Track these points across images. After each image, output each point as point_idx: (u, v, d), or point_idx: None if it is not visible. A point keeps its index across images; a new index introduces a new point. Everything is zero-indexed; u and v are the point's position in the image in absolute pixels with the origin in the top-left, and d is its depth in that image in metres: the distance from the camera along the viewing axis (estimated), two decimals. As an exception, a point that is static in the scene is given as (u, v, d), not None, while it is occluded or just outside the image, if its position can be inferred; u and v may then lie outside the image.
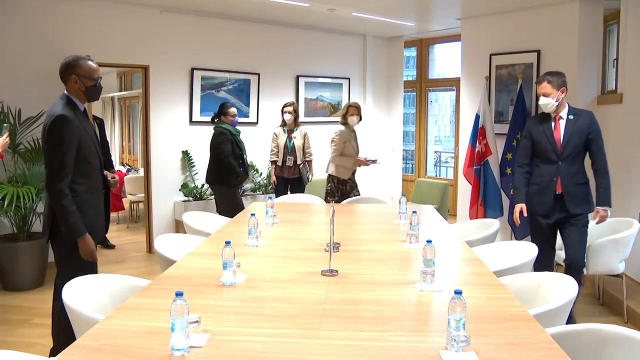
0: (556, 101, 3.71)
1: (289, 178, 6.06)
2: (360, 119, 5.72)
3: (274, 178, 6.06)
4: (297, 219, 4.24)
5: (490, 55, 6.24)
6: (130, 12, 5.88)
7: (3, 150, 3.84)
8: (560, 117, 3.79)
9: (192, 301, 2.15)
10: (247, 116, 6.78)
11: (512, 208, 5.81)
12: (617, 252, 3.98)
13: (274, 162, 6.07)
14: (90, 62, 2.97)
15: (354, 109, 5.64)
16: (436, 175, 9.27)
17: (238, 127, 5.75)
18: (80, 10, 5.57)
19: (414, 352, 1.75)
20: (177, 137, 6.37)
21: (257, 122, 6.94)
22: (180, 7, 6.13)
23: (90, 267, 2.99)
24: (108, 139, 8.20)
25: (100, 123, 6.40)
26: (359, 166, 5.77)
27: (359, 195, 5.74)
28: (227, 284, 2.45)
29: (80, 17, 5.57)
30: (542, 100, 3.74)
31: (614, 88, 5.45)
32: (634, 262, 4.47)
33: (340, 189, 5.70)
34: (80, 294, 2.38)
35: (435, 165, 9.38)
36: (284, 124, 6.05)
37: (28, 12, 5.29)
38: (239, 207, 5.40)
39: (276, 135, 6.05)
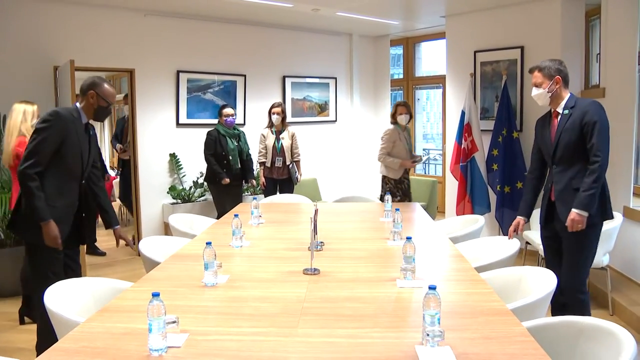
0: (548, 92, 3.19)
1: (278, 179, 6.07)
2: (411, 117, 5.53)
3: (262, 179, 6.06)
4: (282, 219, 4.26)
5: (475, 52, 6.27)
6: (114, 16, 5.87)
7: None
8: (558, 113, 3.24)
9: (173, 302, 2.18)
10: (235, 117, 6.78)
11: (498, 204, 5.89)
12: (601, 245, 3.99)
13: (262, 164, 6.06)
14: (110, 88, 3.15)
15: (403, 108, 5.43)
16: (425, 173, 9.30)
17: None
18: (66, 15, 5.56)
19: (389, 348, 1.77)
20: (164, 139, 6.37)
21: (244, 124, 6.95)
22: (165, 10, 6.12)
23: (53, 254, 3.02)
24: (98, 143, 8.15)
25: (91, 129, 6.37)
26: (406, 168, 5.53)
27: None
28: (208, 285, 2.46)
29: (65, 22, 5.56)
30: (533, 92, 3.27)
31: (597, 82, 5.49)
32: (617, 255, 4.52)
33: (400, 188, 5.53)
34: (64, 297, 2.39)
35: (424, 163, 9.39)
36: (271, 125, 6.04)
37: (14, 18, 5.27)
38: (223, 206, 5.51)
39: (264, 137, 6.05)
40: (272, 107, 6.03)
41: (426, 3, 6.35)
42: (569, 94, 3.23)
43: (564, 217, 3.16)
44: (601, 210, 3.19)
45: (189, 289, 2.43)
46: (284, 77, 7.35)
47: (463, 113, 6.10)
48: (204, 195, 6.49)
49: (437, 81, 8.41)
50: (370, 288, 2.43)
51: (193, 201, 6.41)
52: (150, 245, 3.38)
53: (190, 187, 6.48)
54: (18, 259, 4.84)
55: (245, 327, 1.97)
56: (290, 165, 6.03)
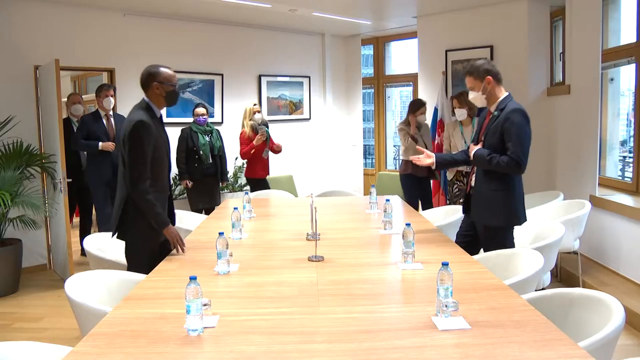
0: (482, 94, 3.20)
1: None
2: (470, 110, 5.18)
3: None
4: (272, 213, 4.41)
5: (446, 51, 6.53)
6: (94, 16, 5.87)
7: (257, 144, 5.72)
8: (491, 113, 3.25)
9: (193, 289, 2.29)
10: (212, 116, 6.85)
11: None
12: (572, 231, 4.29)
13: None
14: (168, 70, 3.11)
15: (455, 101, 5.27)
16: (395, 168, 9.54)
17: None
18: (45, 15, 5.53)
19: (408, 320, 1.94)
20: (144, 138, 6.39)
21: (222, 122, 7.03)
22: (144, 10, 6.15)
23: (152, 260, 3.04)
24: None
25: None
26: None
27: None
28: (221, 273, 2.59)
29: (45, 22, 5.53)
30: (470, 95, 3.30)
31: (561, 80, 5.82)
32: (586, 241, 4.82)
33: (449, 191, 5.60)
34: (81, 289, 2.47)
35: (394, 158, 9.65)
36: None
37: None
38: (197, 203, 5.74)
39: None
40: (420, 106, 5.59)
41: (399, 4, 6.56)
42: (505, 94, 3.22)
43: (476, 217, 3.34)
44: (506, 213, 3.23)
45: (203, 277, 2.53)
46: (259, 76, 7.46)
47: (436, 110, 6.34)
48: (184, 193, 6.54)
49: (407, 79, 8.66)
50: (374, 271, 2.60)
51: (175, 198, 6.46)
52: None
53: (171, 185, 6.51)
54: (5, 259, 4.84)
55: (269, 308, 2.11)
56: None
